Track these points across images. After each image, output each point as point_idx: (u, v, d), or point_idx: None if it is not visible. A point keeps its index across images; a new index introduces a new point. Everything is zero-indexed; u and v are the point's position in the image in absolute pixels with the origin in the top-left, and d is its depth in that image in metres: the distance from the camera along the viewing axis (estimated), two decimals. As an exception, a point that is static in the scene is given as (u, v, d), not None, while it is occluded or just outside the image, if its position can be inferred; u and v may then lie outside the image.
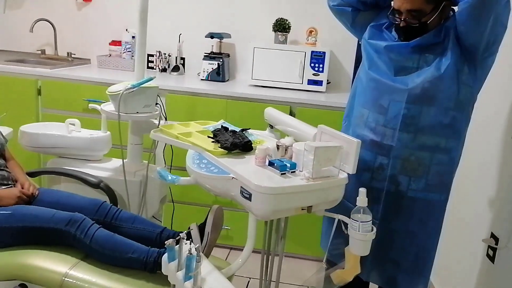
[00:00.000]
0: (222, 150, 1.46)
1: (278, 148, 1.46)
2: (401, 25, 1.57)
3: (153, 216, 2.18)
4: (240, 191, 1.29)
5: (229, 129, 1.61)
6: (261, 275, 1.66)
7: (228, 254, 2.69)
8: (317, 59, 2.72)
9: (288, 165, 1.34)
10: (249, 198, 1.26)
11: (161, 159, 2.37)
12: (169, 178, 1.40)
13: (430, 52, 1.56)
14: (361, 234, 1.32)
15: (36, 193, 1.77)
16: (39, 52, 3.19)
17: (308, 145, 1.31)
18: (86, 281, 1.52)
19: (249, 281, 2.47)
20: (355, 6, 1.74)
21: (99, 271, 1.57)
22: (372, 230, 1.35)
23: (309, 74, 2.74)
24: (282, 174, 1.33)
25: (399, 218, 1.67)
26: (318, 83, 2.75)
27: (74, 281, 1.51)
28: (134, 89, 1.89)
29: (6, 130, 2.12)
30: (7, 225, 1.58)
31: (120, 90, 1.87)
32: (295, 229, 2.60)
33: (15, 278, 1.51)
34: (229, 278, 1.68)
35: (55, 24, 3.13)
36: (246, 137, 1.54)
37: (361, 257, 1.42)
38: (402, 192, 1.65)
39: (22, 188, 1.74)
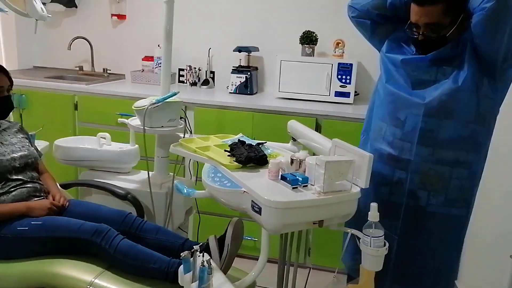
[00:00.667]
0: (237, 164, 1.48)
1: (292, 162, 1.47)
2: (419, 38, 1.55)
3: (179, 227, 2.23)
4: (251, 205, 1.31)
5: (246, 142, 1.64)
6: (278, 286, 1.66)
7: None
8: (344, 71, 2.71)
9: (300, 179, 1.35)
10: (259, 212, 1.27)
11: (191, 171, 2.43)
12: (185, 191, 1.44)
13: (447, 65, 1.53)
14: (373, 249, 1.30)
15: (67, 204, 1.86)
16: (77, 68, 3.37)
17: (319, 159, 1.31)
18: (111, 291, 1.58)
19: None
20: (374, 19, 1.73)
21: (123, 281, 1.62)
22: (384, 245, 1.32)
23: (336, 86, 2.73)
24: (293, 188, 1.33)
25: (419, 233, 1.64)
26: (346, 95, 2.73)
27: (99, 290, 1.57)
28: (158, 104, 1.96)
29: (42, 144, 2.25)
30: (38, 235, 1.66)
31: (145, 105, 1.95)
32: (323, 241, 2.59)
33: (44, 286, 1.59)
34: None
35: (92, 41, 3.30)
36: (262, 151, 1.56)
37: (381, 273, 1.39)
38: (421, 207, 1.61)
39: (53, 199, 1.83)
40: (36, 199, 1.80)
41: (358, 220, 1.40)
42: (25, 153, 1.84)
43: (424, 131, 1.56)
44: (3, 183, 1.73)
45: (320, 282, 2.58)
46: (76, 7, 3.31)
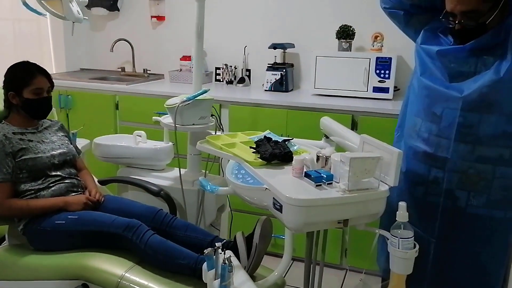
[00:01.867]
0: (261, 160, 1.47)
1: (318, 159, 1.43)
2: (456, 28, 1.46)
3: (211, 225, 2.25)
4: (273, 202, 1.28)
5: (272, 139, 1.61)
6: (305, 285, 1.62)
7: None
8: (383, 65, 2.61)
9: (324, 176, 1.31)
10: (280, 210, 1.25)
11: (225, 169, 2.44)
12: (208, 187, 1.44)
13: (489, 54, 1.43)
14: (401, 252, 1.23)
15: (102, 200, 1.92)
16: (120, 69, 3.48)
17: (344, 156, 1.27)
18: (140, 284, 1.60)
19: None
20: (408, 9, 1.65)
21: (152, 275, 1.64)
22: (414, 247, 1.25)
23: (375, 81, 2.63)
24: (317, 185, 1.30)
25: (458, 236, 1.54)
26: (384, 90, 2.63)
27: (129, 284, 1.60)
28: (189, 102, 1.98)
29: (83, 142, 2.35)
30: (74, 228, 1.73)
31: (177, 103, 1.97)
32: (360, 242, 2.51)
33: (78, 278, 1.65)
34: (280, 287, 1.68)
35: (133, 43, 3.40)
36: (287, 147, 1.54)
37: (417, 277, 1.32)
38: (460, 208, 1.51)
39: (90, 195, 1.90)
40: (73, 194, 1.87)
41: (394, 221, 1.34)
42: (64, 150, 1.91)
43: (463, 127, 1.46)
44: (43, 179, 1.81)
45: (356, 284, 2.51)
46: (119, 10, 3.43)
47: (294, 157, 1.38)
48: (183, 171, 2.16)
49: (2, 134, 1.76)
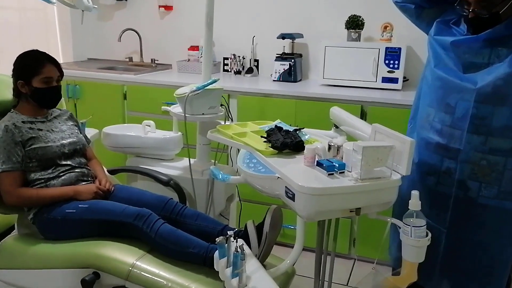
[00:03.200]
0: (273, 150, 1.46)
1: (330, 148, 1.43)
2: (469, 16, 1.45)
3: (220, 214, 2.25)
4: (285, 191, 1.28)
5: (283, 128, 1.61)
6: (315, 275, 1.62)
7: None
8: (392, 55, 2.59)
9: (337, 165, 1.31)
10: (293, 198, 1.25)
11: (233, 158, 2.44)
12: (220, 176, 1.44)
13: (503, 46, 1.41)
14: (414, 240, 1.23)
15: (112, 189, 1.92)
16: (127, 59, 3.48)
17: (357, 145, 1.26)
18: (151, 272, 1.61)
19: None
20: (418, 2, 1.65)
21: (163, 264, 1.65)
22: (426, 235, 1.25)
23: (384, 71, 2.62)
24: (329, 174, 1.30)
25: (469, 226, 1.54)
26: (394, 80, 2.62)
27: (140, 272, 1.61)
28: (199, 91, 1.97)
29: (92, 132, 2.35)
30: (84, 217, 1.74)
31: (186, 93, 1.97)
32: (369, 232, 2.51)
33: (89, 266, 1.65)
34: (290, 276, 1.68)
35: (140, 32, 3.39)
36: (299, 136, 1.53)
37: (429, 266, 1.32)
38: (472, 199, 1.51)
39: (100, 184, 1.90)
40: (83, 183, 1.88)
41: (406, 210, 1.34)
42: (74, 140, 1.92)
43: (476, 118, 1.46)
44: (53, 168, 1.82)
45: (365, 274, 2.51)
46: (126, 0, 3.41)
47: (305, 146, 1.37)
48: (192, 160, 2.16)
49: (12, 123, 1.76)
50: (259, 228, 1.66)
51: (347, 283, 2.45)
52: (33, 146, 1.77)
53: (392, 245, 1.82)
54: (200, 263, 1.64)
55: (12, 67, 1.83)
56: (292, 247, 1.45)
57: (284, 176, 1.29)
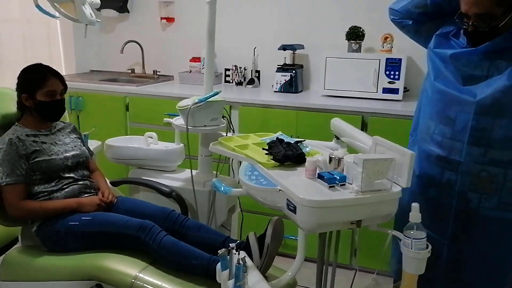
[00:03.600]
0: (274, 162, 1.47)
1: (331, 160, 1.44)
2: (469, 29, 1.47)
3: (222, 225, 2.26)
4: (286, 203, 1.29)
5: (284, 141, 1.62)
6: (317, 286, 1.63)
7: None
8: (393, 66, 2.61)
9: (338, 177, 1.32)
10: (294, 211, 1.26)
11: (235, 170, 2.44)
12: (222, 189, 1.45)
13: (502, 58, 1.43)
14: (414, 252, 1.24)
15: (115, 201, 1.93)
16: (129, 71, 3.51)
17: (357, 157, 1.28)
18: (153, 284, 1.61)
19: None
20: (416, 18, 1.67)
21: (165, 276, 1.66)
22: (427, 247, 1.26)
23: (384, 82, 2.64)
24: (330, 187, 1.31)
25: (471, 238, 1.55)
26: (394, 91, 2.63)
27: (143, 284, 1.61)
28: (201, 104, 1.99)
29: (95, 144, 2.37)
30: (87, 230, 1.75)
31: (188, 105, 1.99)
32: (369, 242, 2.52)
33: (92, 278, 1.66)
34: (292, 287, 1.69)
35: (142, 44, 3.42)
36: (300, 149, 1.54)
37: (432, 278, 1.33)
38: (473, 210, 1.52)
39: (103, 196, 1.91)
40: (86, 195, 1.89)
41: (407, 223, 1.34)
42: (77, 152, 1.93)
43: (476, 131, 1.47)
44: (56, 180, 1.83)
45: (366, 284, 2.51)
46: (128, 12, 3.45)
47: (307, 159, 1.39)
48: (194, 172, 2.17)
49: (16, 136, 1.78)
50: (260, 240, 1.67)
51: (349, 294, 2.45)
52: (37, 159, 1.79)
53: (393, 257, 1.83)
54: (203, 274, 1.65)
55: (17, 81, 1.85)
56: (294, 257, 1.46)
57: (286, 189, 1.30)
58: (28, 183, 1.78)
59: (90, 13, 1.89)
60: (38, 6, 1.92)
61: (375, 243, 2.47)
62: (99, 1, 2.01)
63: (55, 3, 1.83)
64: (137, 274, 1.64)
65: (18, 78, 1.85)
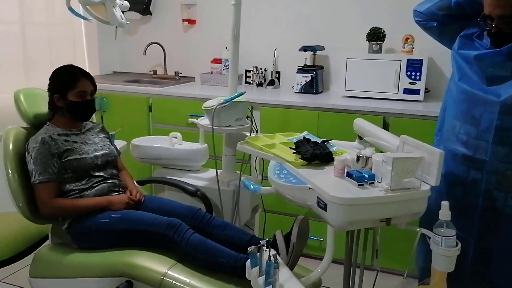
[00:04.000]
0: (302, 161, 1.50)
1: (358, 159, 1.46)
2: (492, 31, 1.48)
3: (245, 224, 2.29)
4: (316, 201, 1.32)
5: (311, 140, 1.64)
6: (344, 287, 1.65)
7: (322, 265, 2.70)
8: (414, 67, 2.62)
9: (366, 176, 1.34)
10: (325, 209, 1.28)
11: (257, 169, 2.47)
12: (252, 187, 1.48)
13: None
14: (444, 249, 1.25)
15: (142, 199, 1.98)
16: (151, 72, 3.57)
17: (387, 156, 1.29)
18: (182, 282, 1.64)
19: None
20: (440, 20, 1.69)
21: (193, 273, 1.68)
22: (456, 245, 1.27)
23: (405, 83, 2.64)
24: (359, 185, 1.33)
25: (496, 237, 1.56)
26: (415, 92, 2.64)
27: (172, 281, 1.64)
28: (226, 104, 2.02)
29: (120, 144, 2.41)
30: (117, 227, 1.79)
31: (214, 105, 2.02)
32: (391, 243, 2.52)
33: (122, 275, 1.70)
34: (317, 286, 1.70)
35: (164, 46, 3.48)
36: (327, 148, 1.57)
37: (458, 277, 1.34)
38: (498, 209, 1.53)
39: (131, 194, 1.96)
40: (115, 194, 1.93)
41: (433, 221, 1.36)
42: (106, 151, 1.98)
43: (501, 130, 1.49)
44: (86, 179, 1.88)
45: (388, 285, 2.51)
46: (151, 14, 3.51)
47: (335, 158, 1.41)
48: (218, 172, 2.20)
49: (48, 135, 1.83)
50: (286, 238, 1.69)
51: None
52: (68, 158, 1.84)
53: (419, 255, 1.83)
54: (229, 272, 1.67)
55: (48, 82, 1.91)
56: (316, 258, 1.48)
57: (316, 187, 1.32)
58: (59, 182, 1.83)
59: (120, 16, 1.94)
60: (70, 9, 1.97)
61: (396, 244, 2.47)
62: (128, 4, 2.06)
63: (87, 6, 1.88)
64: (166, 271, 1.67)
65: (50, 79, 1.90)
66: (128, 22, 2.05)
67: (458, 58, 1.64)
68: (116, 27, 2.00)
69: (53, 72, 1.91)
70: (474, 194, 1.58)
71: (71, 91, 1.86)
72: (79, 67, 1.94)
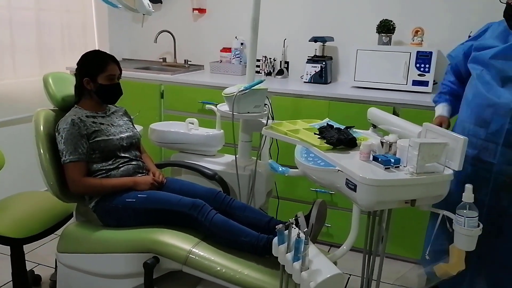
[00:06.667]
0: (328, 145, 1.58)
1: (382, 145, 1.54)
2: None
3: (260, 208, 2.37)
4: (346, 182, 1.40)
5: (334, 126, 1.72)
6: (362, 273, 1.74)
7: (329, 251, 2.79)
8: (423, 59, 2.70)
9: (392, 160, 1.42)
10: (354, 189, 1.36)
11: (267, 156, 2.55)
12: (280, 169, 1.55)
13: None
14: (467, 229, 1.34)
15: (164, 181, 2.04)
16: (161, 60, 3.60)
17: (413, 141, 1.38)
18: (206, 259, 1.72)
19: (349, 278, 2.54)
20: (456, 88, 1.85)
21: (216, 251, 1.77)
22: (478, 226, 1.36)
23: (414, 74, 2.73)
24: (386, 168, 1.41)
25: (502, 235, 1.64)
26: (424, 83, 2.72)
27: (196, 258, 1.72)
28: (246, 91, 2.09)
29: (138, 128, 2.46)
30: (144, 206, 1.86)
31: (234, 92, 2.09)
32: (398, 230, 2.61)
33: (149, 251, 1.77)
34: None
35: (175, 34, 3.51)
36: (351, 134, 1.64)
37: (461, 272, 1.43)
38: (504, 209, 1.62)
39: (154, 176, 2.02)
40: (139, 175, 2.00)
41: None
42: (130, 134, 2.04)
43: (511, 134, 1.56)
44: (113, 159, 1.94)
45: (393, 271, 2.60)
46: (161, 2, 3.54)
47: (362, 143, 1.49)
48: (234, 157, 2.27)
49: (78, 117, 1.89)
50: (306, 219, 1.78)
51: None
52: (96, 139, 1.89)
53: (436, 240, 1.91)
54: (251, 251, 1.76)
55: (76, 66, 1.95)
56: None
57: (345, 169, 1.40)
58: (88, 161, 1.89)
59: (148, 3, 1.99)
60: (100, -4, 2.02)
61: (401, 230, 2.57)
62: (152, -7, 2.10)
63: (116, -6, 1.93)
64: (191, 248, 1.75)
65: (78, 63, 1.95)
66: (154, 10, 2.10)
67: (472, 63, 1.72)
68: (144, 14, 2.05)
69: (81, 57, 1.96)
70: (481, 193, 1.65)
71: (101, 74, 1.91)
72: (106, 52, 1.99)
